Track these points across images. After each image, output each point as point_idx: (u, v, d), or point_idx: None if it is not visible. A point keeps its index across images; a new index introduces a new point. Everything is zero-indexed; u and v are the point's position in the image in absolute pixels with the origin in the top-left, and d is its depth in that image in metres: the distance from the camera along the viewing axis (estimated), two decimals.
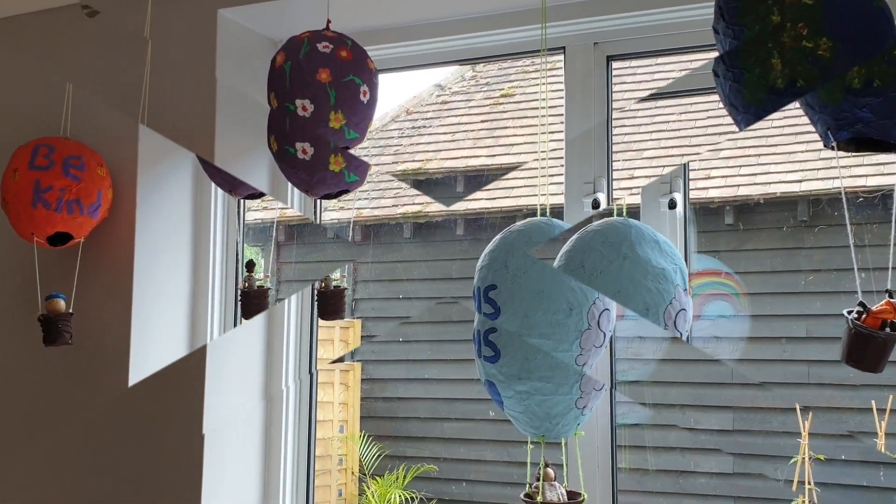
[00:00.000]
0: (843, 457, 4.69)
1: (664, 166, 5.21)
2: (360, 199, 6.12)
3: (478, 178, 5.18)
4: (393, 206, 5.77)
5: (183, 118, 1.96)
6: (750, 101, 1.38)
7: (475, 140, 5.34)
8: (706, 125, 5.37)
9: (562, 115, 1.87)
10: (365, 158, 1.66)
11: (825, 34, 1.28)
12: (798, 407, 4.30)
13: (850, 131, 1.34)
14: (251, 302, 1.91)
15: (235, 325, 2.02)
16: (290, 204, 2.01)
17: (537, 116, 1.63)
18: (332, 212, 5.57)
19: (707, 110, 5.47)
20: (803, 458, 4.18)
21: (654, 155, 5.30)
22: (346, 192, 1.75)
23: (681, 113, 5.58)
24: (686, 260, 1.64)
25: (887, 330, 1.26)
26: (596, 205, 1.87)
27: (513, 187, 5.41)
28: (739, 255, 4.55)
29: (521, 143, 5.23)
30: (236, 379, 1.93)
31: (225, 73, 1.89)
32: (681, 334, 1.44)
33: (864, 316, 1.28)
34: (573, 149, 1.89)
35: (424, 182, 5.23)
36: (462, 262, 5.48)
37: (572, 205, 1.89)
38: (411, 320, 5.28)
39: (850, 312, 1.29)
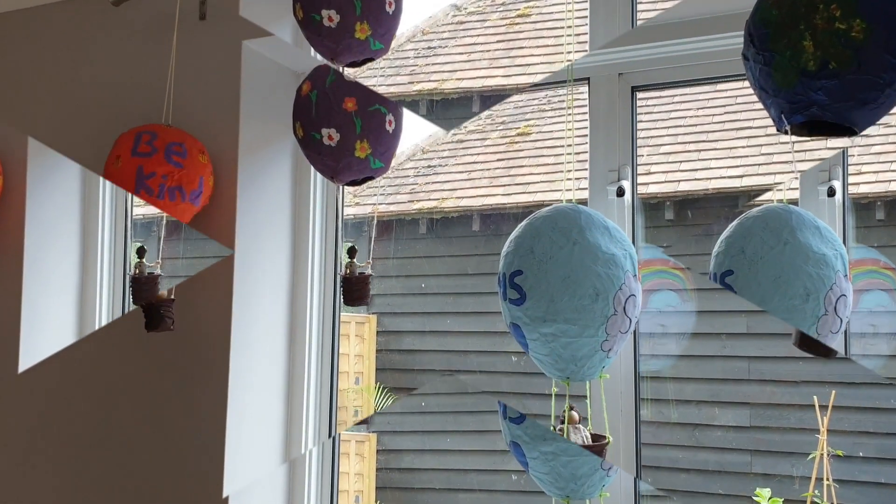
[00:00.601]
0: (861, 454, 4.66)
1: (681, 161, 5.19)
2: (375, 195, 6.12)
3: (494, 98, 5.19)
4: (409, 201, 5.77)
5: (207, 105, 1.96)
6: (781, 85, 1.37)
7: (491, 60, 5.36)
8: (724, 120, 5.34)
9: (580, 35, 1.84)
10: (380, 79, 1.66)
11: (859, 15, 1.27)
12: (816, 403, 4.28)
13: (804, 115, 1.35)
14: (141, 288, 1.95)
15: (124, 311, 2.04)
16: (314, 192, 2.01)
17: (560, 35, 1.62)
18: (349, 207, 5.58)
19: (724, 105, 5.44)
20: (822, 454, 4.15)
21: (672, 150, 5.28)
22: (371, 178, 1.75)
23: (698, 108, 5.56)
24: (845, 246, 1.65)
25: None
26: (621, 192, 1.86)
27: (529, 183, 5.40)
28: (891, 250, 4.51)
29: (538, 63, 5.25)
30: (257, 435, 1.93)
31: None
32: (840, 321, 1.44)
33: None
34: (597, 137, 1.89)
35: (440, 102, 5.24)
36: (479, 257, 5.48)
37: (596, 193, 1.89)
38: (424, 391, 5.35)
39: None
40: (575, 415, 1.57)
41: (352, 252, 1.81)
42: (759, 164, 5.13)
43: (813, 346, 1.32)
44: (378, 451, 5.31)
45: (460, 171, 5.75)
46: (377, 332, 5.72)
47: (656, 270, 4.98)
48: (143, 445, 1.92)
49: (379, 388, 5.50)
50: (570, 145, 1.78)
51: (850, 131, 1.40)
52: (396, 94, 4.85)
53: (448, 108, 5.38)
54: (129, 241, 2.09)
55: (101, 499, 1.97)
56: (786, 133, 1.42)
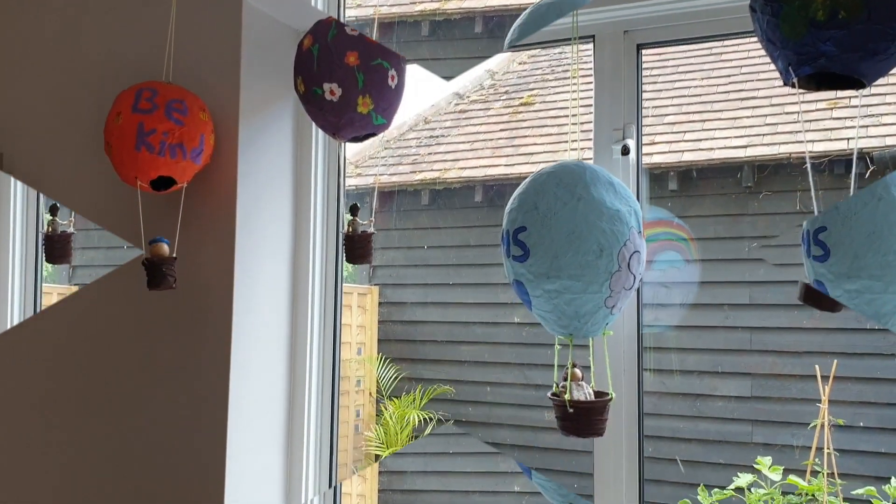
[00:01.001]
0: (861, 424, 4.68)
1: (685, 132, 5.17)
2: (377, 166, 6.10)
3: (497, 18, 5.13)
4: (411, 172, 5.75)
5: (208, 63, 1.94)
6: (789, 36, 1.34)
7: None
8: (728, 90, 5.31)
9: None
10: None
11: None
12: (818, 373, 4.29)
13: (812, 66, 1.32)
14: (54, 246, 2.00)
15: (37, 270, 2.05)
16: (315, 151, 2.00)
17: None
18: (351, 178, 5.57)
19: (730, 75, 5.41)
20: (822, 424, 4.17)
21: (676, 120, 5.26)
22: (373, 135, 1.73)
23: (702, 79, 5.52)
24: None
25: None
26: (625, 151, 1.84)
27: (532, 153, 5.38)
28: None
29: None
30: (260, 398, 1.92)
31: None
32: None
33: None
34: (602, 95, 1.87)
35: (443, 23, 5.19)
36: (481, 229, 5.47)
37: (601, 152, 1.87)
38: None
39: None
40: (578, 372, 1.56)
41: (354, 210, 1.79)
42: (763, 135, 5.11)
43: (818, 301, 1.31)
44: (380, 472, 5.35)
45: (463, 142, 5.73)
46: (379, 302, 5.74)
47: (660, 232, 4.99)
48: (144, 405, 1.92)
49: (381, 358, 5.52)
50: (575, 101, 1.76)
51: (858, 83, 1.37)
52: (397, 14, 4.79)
53: (451, 29, 5.29)
54: (42, 199, 2.09)
55: (95, 467, 1.96)
56: (793, 86, 1.40)
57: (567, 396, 1.53)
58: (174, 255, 1.82)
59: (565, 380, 1.56)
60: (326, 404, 1.96)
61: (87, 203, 2.05)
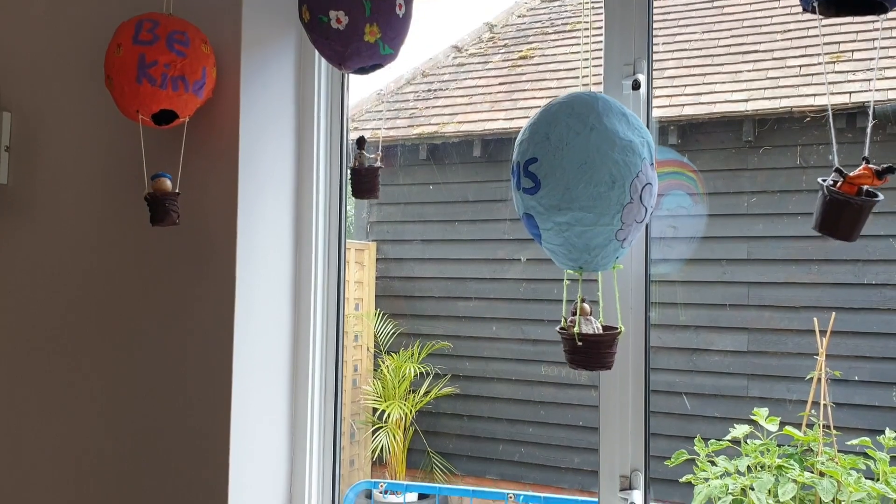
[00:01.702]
0: (856, 378, 4.71)
1: (686, 85, 5.13)
2: (375, 120, 6.04)
3: None
4: (409, 126, 5.69)
5: None
6: None
7: None
8: (729, 44, 5.26)
9: None
10: None
11: None
12: (816, 326, 4.30)
13: None
14: None
15: None
16: (319, 83, 1.95)
17: None
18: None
19: (730, 29, 5.35)
20: (819, 376, 4.19)
21: (677, 74, 5.21)
22: (379, 66, 1.69)
23: (703, 32, 5.46)
24: None
25: (863, 196, 1.21)
26: (636, 85, 1.81)
27: (531, 107, 5.33)
28: None
29: None
30: (264, 331, 1.89)
31: None
32: None
33: (840, 183, 1.23)
34: (612, 29, 1.83)
35: None
36: (479, 184, 5.44)
37: (612, 87, 1.83)
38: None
39: (824, 180, 1.25)
40: (586, 307, 1.54)
41: (361, 143, 1.75)
42: (764, 88, 5.07)
43: (833, 230, 1.28)
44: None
45: (461, 95, 5.67)
46: (377, 259, 5.73)
47: (670, 171, 4.97)
48: (146, 343, 1.90)
49: (378, 314, 5.51)
50: (586, 35, 1.71)
51: (880, 7, 1.34)
52: None
53: None
54: None
55: (95, 408, 1.95)
56: (813, 11, 1.36)
57: (576, 330, 1.52)
58: (177, 190, 1.79)
59: (574, 314, 1.54)
60: (331, 339, 1.94)
61: (88, 138, 2.01)
